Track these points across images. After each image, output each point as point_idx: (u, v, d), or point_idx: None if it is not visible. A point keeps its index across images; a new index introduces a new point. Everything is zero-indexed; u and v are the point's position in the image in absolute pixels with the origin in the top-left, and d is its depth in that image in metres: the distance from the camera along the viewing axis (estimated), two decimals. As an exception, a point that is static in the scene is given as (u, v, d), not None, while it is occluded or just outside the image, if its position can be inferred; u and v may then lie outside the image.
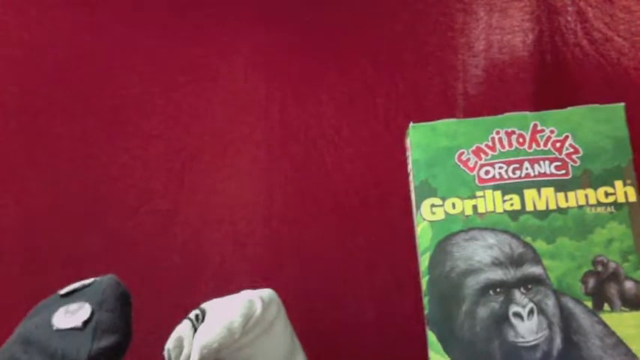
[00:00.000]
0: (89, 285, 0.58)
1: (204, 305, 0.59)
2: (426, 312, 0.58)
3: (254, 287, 0.77)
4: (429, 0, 0.82)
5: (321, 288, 0.77)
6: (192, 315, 0.58)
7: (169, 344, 0.56)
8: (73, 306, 0.55)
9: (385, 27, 0.82)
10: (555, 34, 0.80)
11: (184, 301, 0.76)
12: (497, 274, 0.57)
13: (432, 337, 0.57)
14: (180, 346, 0.56)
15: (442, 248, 0.59)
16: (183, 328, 0.57)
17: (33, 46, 0.83)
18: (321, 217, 0.79)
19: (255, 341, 0.57)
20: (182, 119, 0.82)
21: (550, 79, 0.80)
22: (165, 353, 0.56)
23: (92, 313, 0.55)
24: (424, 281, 0.59)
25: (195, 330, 0.56)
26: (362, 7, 0.83)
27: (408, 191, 0.79)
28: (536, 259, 0.57)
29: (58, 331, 0.54)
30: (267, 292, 0.60)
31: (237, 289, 0.77)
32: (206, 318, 0.57)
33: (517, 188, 0.59)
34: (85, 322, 0.54)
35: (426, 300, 0.59)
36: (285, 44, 0.83)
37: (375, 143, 0.80)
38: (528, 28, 0.80)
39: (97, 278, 0.59)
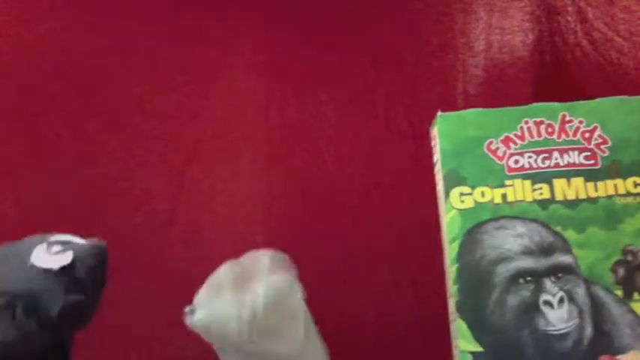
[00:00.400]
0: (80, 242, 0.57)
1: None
2: (455, 300, 0.58)
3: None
4: (429, 0, 0.82)
5: (321, 288, 0.77)
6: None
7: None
8: (56, 247, 0.54)
9: (385, 27, 0.82)
10: (555, 34, 0.80)
11: (184, 301, 0.76)
12: (528, 263, 0.57)
13: (461, 325, 0.57)
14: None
15: (472, 236, 0.59)
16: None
17: (33, 46, 0.83)
18: (321, 216, 0.79)
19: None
20: (182, 119, 0.82)
21: (550, 79, 0.80)
22: None
23: (73, 263, 0.53)
24: (453, 269, 0.59)
25: None
26: (362, 7, 0.83)
27: (408, 191, 0.79)
28: (567, 248, 0.57)
29: (33, 267, 0.52)
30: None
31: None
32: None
33: (546, 178, 0.59)
34: (63, 269, 0.52)
35: (454, 288, 0.58)
36: (285, 44, 0.83)
37: (375, 143, 0.80)
38: (528, 28, 0.80)
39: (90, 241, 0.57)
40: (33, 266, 0.52)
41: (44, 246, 0.54)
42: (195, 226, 0.80)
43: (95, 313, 0.56)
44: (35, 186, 0.80)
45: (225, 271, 0.56)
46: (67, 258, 0.53)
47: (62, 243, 0.55)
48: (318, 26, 0.83)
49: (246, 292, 0.55)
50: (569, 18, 0.79)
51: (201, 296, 0.56)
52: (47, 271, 0.52)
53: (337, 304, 0.77)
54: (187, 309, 0.55)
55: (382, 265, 0.77)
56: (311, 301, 0.73)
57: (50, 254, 0.53)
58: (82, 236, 0.59)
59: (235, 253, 0.79)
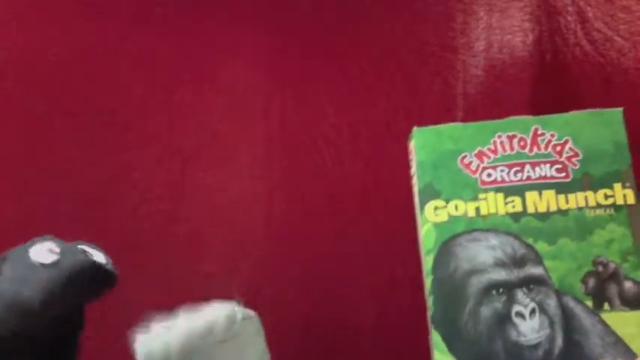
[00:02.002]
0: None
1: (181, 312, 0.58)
2: (430, 312, 0.59)
3: (253, 287, 0.78)
4: (429, 0, 0.82)
5: (320, 288, 0.77)
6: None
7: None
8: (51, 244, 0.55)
9: (385, 27, 0.82)
10: (555, 34, 0.80)
11: (184, 302, 0.76)
12: (500, 275, 0.58)
13: (436, 336, 0.58)
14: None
15: (446, 249, 0.60)
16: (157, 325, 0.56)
17: (33, 46, 0.83)
18: (321, 217, 0.79)
19: (231, 351, 0.56)
20: (182, 119, 0.82)
21: (550, 79, 0.80)
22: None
23: (59, 259, 0.54)
24: (428, 281, 0.60)
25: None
26: (362, 8, 0.83)
27: (408, 191, 0.79)
28: (538, 260, 0.58)
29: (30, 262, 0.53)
30: (248, 310, 0.59)
31: (237, 290, 0.77)
32: (185, 314, 0.56)
33: (519, 190, 0.60)
34: (53, 263, 0.53)
35: (430, 300, 0.59)
36: (285, 44, 0.83)
37: (375, 143, 0.80)
38: (528, 28, 0.80)
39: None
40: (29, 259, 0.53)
41: (44, 244, 0.54)
42: (195, 226, 0.80)
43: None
44: (35, 186, 0.80)
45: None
46: (54, 256, 0.54)
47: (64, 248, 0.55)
48: (318, 26, 0.83)
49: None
50: (569, 18, 0.79)
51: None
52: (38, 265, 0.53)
53: (337, 304, 0.77)
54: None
55: (382, 265, 0.77)
56: (311, 301, 0.73)
57: (45, 252, 0.54)
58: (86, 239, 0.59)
59: (235, 253, 0.79)
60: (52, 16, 0.84)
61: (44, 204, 0.80)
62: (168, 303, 0.77)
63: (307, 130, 0.81)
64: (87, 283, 0.55)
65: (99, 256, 0.56)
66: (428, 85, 0.80)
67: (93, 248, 0.57)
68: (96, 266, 0.56)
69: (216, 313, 0.56)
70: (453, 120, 0.78)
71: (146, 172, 0.81)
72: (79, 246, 0.57)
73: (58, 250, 0.54)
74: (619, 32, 0.77)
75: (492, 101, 0.79)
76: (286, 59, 0.83)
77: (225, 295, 0.73)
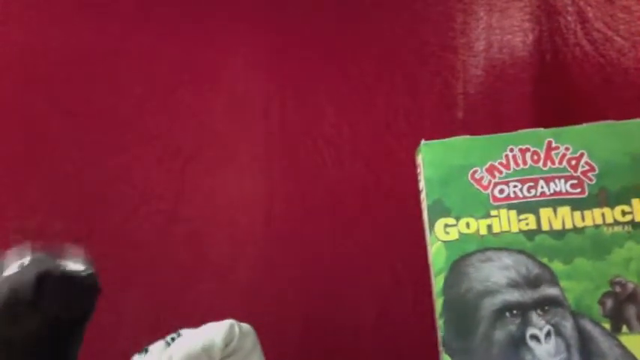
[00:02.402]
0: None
1: (182, 330, 0.58)
2: (441, 334, 0.57)
3: (253, 287, 0.78)
4: (429, 0, 0.82)
5: (320, 288, 0.77)
6: (168, 338, 0.57)
7: None
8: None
9: (385, 27, 0.82)
10: (555, 34, 0.80)
11: (184, 301, 0.76)
12: (514, 296, 0.56)
13: (447, 359, 0.56)
14: None
15: (457, 269, 0.58)
16: (156, 346, 0.56)
17: (33, 46, 0.83)
18: (322, 217, 0.79)
19: None
20: (182, 119, 0.82)
21: (550, 79, 0.80)
22: None
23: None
24: (439, 302, 0.58)
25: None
26: (362, 8, 0.83)
27: (408, 191, 0.79)
28: (553, 280, 0.56)
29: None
30: (245, 325, 0.59)
31: (237, 289, 0.78)
32: (183, 336, 0.56)
33: (532, 207, 0.58)
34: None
35: (441, 322, 0.57)
36: (285, 44, 0.83)
37: (375, 143, 0.80)
38: (528, 28, 0.80)
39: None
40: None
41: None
42: (195, 226, 0.80)
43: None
44: (35, 186, 0.80)
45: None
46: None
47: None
48: (318, 26, 0.83)
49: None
50: (569, 18, 0.79)
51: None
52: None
53: (337, 304, 0.77)
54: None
55: (382, 265, 0.77)
56: (311, 301, 0.73)
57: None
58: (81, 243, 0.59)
59: (235, 253, 0.79)
60: (52, 16, 0.84)
61: (44, 204, 0.80)
62: (168, 303, 0.77)
63: (307, 130, 0.81)
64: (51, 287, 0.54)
65: (74, 265, 0.55)
66: (428, 85, 0.80)
67: (73, 258, 0.56)
68: (65, 274, 0.55)
69: (214, 332, 0.56)
70: (453, 120, 0.78)
71: (146, 172, 0.81)
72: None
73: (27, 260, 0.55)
74: (619, 32, 0.77)
75: (492, 101, 0.79)
76: (286, 59, 0.83)
77: (225, 295, 0.74)
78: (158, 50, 0.83)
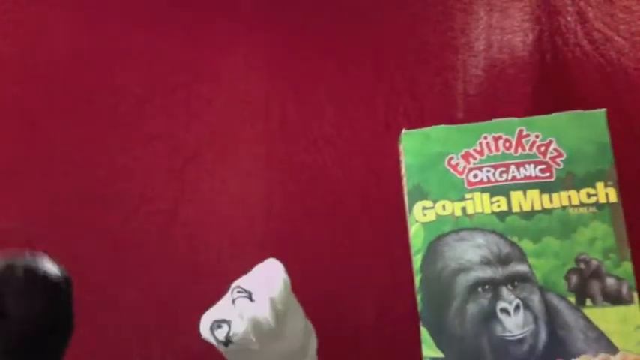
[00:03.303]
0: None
1: (243, 284, 0.60)
2: (419, 309, 0.61)
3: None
4: (429, 0, 0.82)
5: (320, 288, 0.77)
6: (230, 297, 0.60)
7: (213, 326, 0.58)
8: None
9: (385, 27, 0.82)
10: (555, 34, 0.80)
11: (184, 302, 0.76)
12: (486, 272, 0.60)
13: (424, 333, 0.60)
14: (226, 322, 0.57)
15: (434, 248, 0.62)
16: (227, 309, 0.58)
17: (33, 46, 0.83)
18: (321, 216, 0.79)
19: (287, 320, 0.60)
20: (182, 119, 0.82)
21: (550, 79, 0.80)
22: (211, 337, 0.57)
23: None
24: (417, 280, 0.62)
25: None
26: (362, 7, 0.83)
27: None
28: (522, 258, 0.61)
29: None
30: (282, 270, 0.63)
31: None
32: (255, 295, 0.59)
33: (504, 190, 0.62)
34: None
35: (419, 297, 0.62)
36: (285, 44, 0.83)
37: (375, 143, 0.80)
38: (528, 28, 0.80)
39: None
40: None
41: None
42: (195, 226, 0.80)
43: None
44: (35, 186, 0.80)
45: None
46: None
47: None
48: (318, 26, 0.83)
49: (259, 303, 0.58)
50: (569, 18, 0.79)
51: (222, 311, 0.58)
52: None
53: (337, 304, 0.77)
54: (211, 325, 0.58)
55: (382, 265, 0.77)
56: (311, 301, 0.73)
57: None
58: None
59: (235, 253, 0.79)
60: (52, 17, 0.84)
61: (44, 204, 0.80)
62: (168, 302, 0.77)
63: (307, 130, 0.81)
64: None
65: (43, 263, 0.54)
66: (428, 85, 0.80)
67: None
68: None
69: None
70: (453, 120, 0.78)
71: (146, 172, 0.81)
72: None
73: None
74: (619, 32, 0.77)
75: (492, 101, 0.79)
76: (286, 59, 0.83)
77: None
78: (158, 50, 0.83)
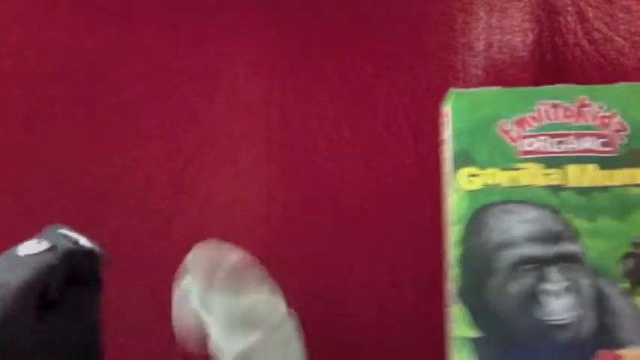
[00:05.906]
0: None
1: None
2: (455, 284, 0.57)
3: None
4: (429, 0, 0.82)
5: (320, 288, 0.77)
6: None
7: None
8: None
9: (385, 27, 0.82)
10: (555, 34, 0.80)
11: (184, 301, 0.76)
12: (533, 250, 0.55)
13: (459, 310, 0.56)
14: None
15: (478, 219, 0.57)
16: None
17: (33, 46, 0.83)
18: (321, 216, 0.79)
19: None
20: (182, 119, 0.82)
21: (550, 80, 0.79)
22: None
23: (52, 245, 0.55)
24: (454, 252, 0.57)
25: None
26: (362, 8, 0.83)
27: (408, 191, 0.79)
28: (574, 237, 0.56)
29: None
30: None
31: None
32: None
33: (560, 162, 0.57)
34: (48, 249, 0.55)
35: (455, 272, 0.57)
36: (285, 44, 0.83)
37: (375, 143, 0.80)
38: (528, 28, 0.80)
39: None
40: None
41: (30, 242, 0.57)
42: (195, 226, 0.80)
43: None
44: (35, 186, 0.80)
45: None
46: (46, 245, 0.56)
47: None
48: (318, 26, 0.83)
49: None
50: (569, 18, 0.79)
51: None
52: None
53: (337, 304, 0.77)
54: None
55: (382, 265, 0.77)
56: (311, 301, 0.73)
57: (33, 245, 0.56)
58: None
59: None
60: (52, 16, 0.84)
61: (44, 204, 0.80)
62: (168, 302, 0.77)
63: (307, 130, 0.81)
64: (79, 262, 0.57)
65: (82, 239, 0.58)
66: (428, 85, 0.80)
67: (72, 232, 0.59)
68: (83, 247, 0.58)
69: None
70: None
71: (146, 172, 0.81)
72: (59, 230, 0.57)
73: (45, 240, 0.55)
74: (619, 32, 0.77)
75: (492, 101, 0.79)
76: (286, 59, 0.83)
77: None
78: (158, 50, 0.83)
